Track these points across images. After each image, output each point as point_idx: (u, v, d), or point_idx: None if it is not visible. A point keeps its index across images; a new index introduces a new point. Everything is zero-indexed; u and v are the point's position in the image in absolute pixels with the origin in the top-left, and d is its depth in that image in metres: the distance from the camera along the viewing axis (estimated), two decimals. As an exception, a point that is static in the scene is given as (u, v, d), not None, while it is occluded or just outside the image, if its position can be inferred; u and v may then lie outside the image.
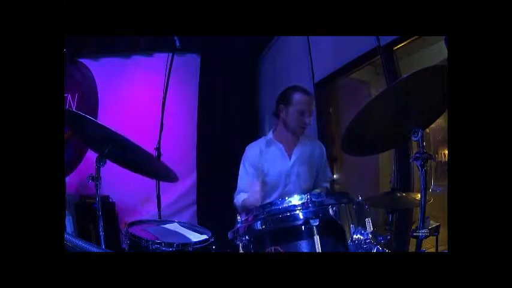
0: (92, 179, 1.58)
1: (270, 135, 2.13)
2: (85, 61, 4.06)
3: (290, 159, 2.07)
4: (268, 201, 2.02)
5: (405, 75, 1.13)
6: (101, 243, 1.55)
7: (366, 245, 1.18)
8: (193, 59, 4.10)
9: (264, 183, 2.02)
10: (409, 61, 2.43)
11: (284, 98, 2.04)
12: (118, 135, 1.48)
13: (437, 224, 1.69)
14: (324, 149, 2.22)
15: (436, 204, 1.69)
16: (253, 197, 1.87)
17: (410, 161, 1.24)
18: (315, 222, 1.13)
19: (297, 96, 1.99)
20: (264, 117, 4.12)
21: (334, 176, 2.89)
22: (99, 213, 1.59)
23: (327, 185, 2.20)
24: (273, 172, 2.04)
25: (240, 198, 2.03)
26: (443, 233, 1.60)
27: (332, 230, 1.21)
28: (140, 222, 1.73)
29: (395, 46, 2.26)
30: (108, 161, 1.60)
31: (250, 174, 2.04)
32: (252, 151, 2.10)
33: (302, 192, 1.99)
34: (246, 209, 1.84)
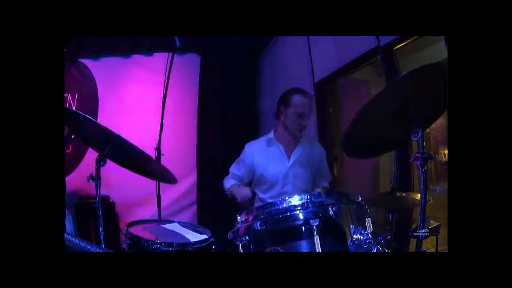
0: (92, 179, 1.58)
1: (271, 134, 2.18)
2: (85, 61, 4.06)
3: (289, 159, 2.10)
4: (263, 196, 2.11)
5: (402, 74, 1.13)
6: (101, 243, 1.55)
7: (366, 245, 1.18)
8: (193, 59, 4.10)
9: (262, 182, 2.11)
10: (409, 61, 2.43)
11: (284, 100, 2.07)
12: (116, 136, 1.48)
13: (437, 224, 1.69)
14: (324, 152, 2.23)
15: (436, 204, 1.68)
16: (242, 194, 1.98)
17: (410, 160, 1.24)
18: (315, 223, 1.13)
19: (295, 99, 2.02)
20: (264, 117, 4.12)
21: (335, 174, 2.89)
22: (99, 213, 1.59)
23: (326, 184, 2.21)
24: (272, 171, 2.09)
25: (228, 182, 2.16)
26: (443, 233, 1.60)
27: (332, 230, 1.21)
28: (140, 222, 1.73)
29: (396, 46, 2.26)
30: (108, 161, 1.60)
31: (242, 165, 2.16)
32: (250, 147, 2.18)
33: (300, 193, 2.04)
34: (232, 197, 2.01)
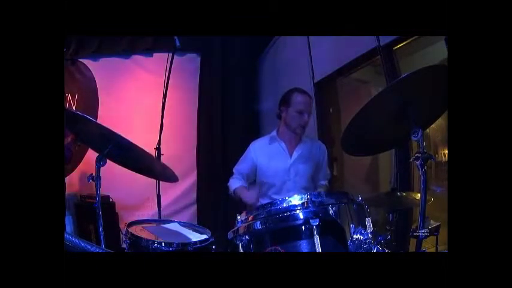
0: (92, 179, 1.58)
1: (274, 133, 2.23)
2: (85, 61, 4.06)
3: (291, 157, 2.14)
4: (266, 198, 2.11)
5: (404, 75, 1.14)
6: (101, 243, 1.55)
7: (366, 245, 1.18)
8: (193, 59, 4.10)
9: (263, 179, 2.14)
10: (409, 61, 2.42)
11: (284, 100, 2.14)
12: (116, 136, 1.48)
13: (437, 224, 1.68)
14: (325, 149, 2.28)
15: (436, 204, 1.68)
16: (249, 197, 1.98)
17: (411, 160, 1.24)
18: (315, 222, 1.13)
19: (295, 97, 2.10)
20: (264, 117, 4.12)
21: (335, 174, 2.90)
22: (99, 213, 1.59)
23: (325, 182, 2.23)
24: (273, 168, 2.13)
25: (234, 183, 2.17)
26: (443, 233, 1.60)
27: (332, 230, 1.21)
28: (140, 222, 1.73)
29: (395, 46, 2.26)
30: (108, 161, 1.60)
31: (245, 163, 2.20)
32: (253, 145, 2.22)
33: (300, 190, 2.06)
34: (237, 198, 2.04)
